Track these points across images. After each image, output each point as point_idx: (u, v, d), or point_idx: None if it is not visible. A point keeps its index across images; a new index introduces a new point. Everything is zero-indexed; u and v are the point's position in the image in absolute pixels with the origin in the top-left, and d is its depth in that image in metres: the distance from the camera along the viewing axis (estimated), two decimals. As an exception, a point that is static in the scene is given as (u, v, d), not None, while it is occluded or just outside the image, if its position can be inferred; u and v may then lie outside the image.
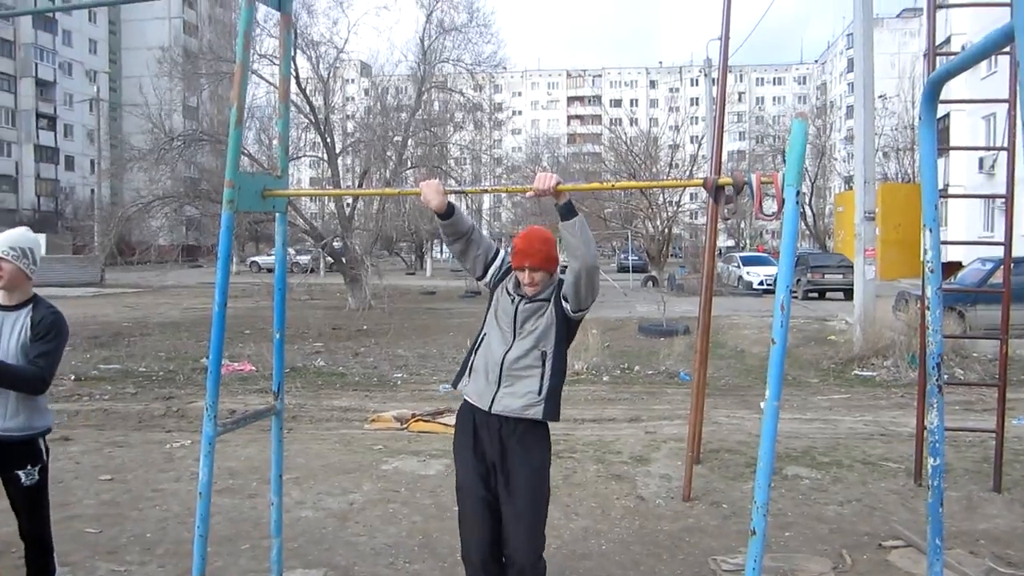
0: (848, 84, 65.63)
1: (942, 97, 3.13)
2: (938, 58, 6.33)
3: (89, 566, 4.47)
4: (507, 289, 3.49)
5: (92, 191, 56.37)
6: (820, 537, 5.06)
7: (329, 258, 25.27)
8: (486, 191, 11.98)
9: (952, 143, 29.40)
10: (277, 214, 4.03)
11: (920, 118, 3.13)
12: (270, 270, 41.10)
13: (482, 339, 3.50)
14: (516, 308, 3.42)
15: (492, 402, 3.35)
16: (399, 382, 10.94)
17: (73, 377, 10.66)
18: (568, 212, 3.22)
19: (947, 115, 30.14)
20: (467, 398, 3.47)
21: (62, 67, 66.96)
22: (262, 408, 4.24)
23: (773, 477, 2.73)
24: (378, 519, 5.40)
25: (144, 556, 4.70)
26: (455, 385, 3.56)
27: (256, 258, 48.79)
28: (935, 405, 3.06)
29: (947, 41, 30.18)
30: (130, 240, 31.71)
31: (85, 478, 6.24)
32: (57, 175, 65.95)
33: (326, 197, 32.36)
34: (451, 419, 8.31)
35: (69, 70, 67.82)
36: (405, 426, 8.10)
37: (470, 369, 3.48)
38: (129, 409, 9.01)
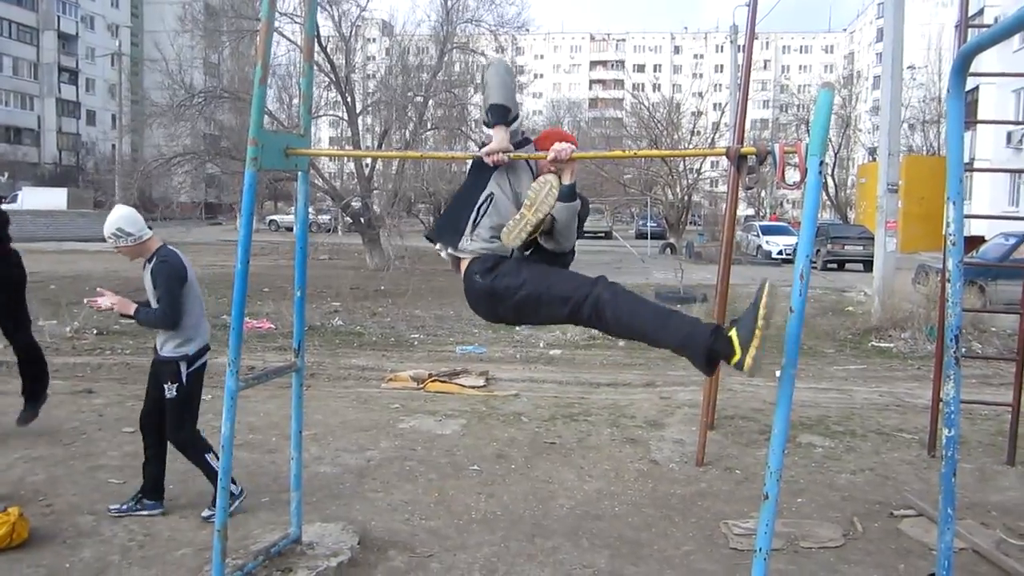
0: (876, 54, 64.42)
1: (972, 69, 3.10)
2: (970, 30, 6.23)
3: (113, 515, 4.58)
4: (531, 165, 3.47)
5: (113, 146, 56.57)
6: (832, 504, 5.11)
7: (348, 218, 25.30)
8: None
9: (980, 116, 28.94)
10: (299, 173, 4.06)
11: (949, 90, 3.10)
12: (288, 228, 41.30)
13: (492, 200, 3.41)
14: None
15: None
16: (416, 342, 11.03)
17: (95, 331, 10.81)
18: (572, 195, 3.32)
19: (976, 88, 29.65)
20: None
21: (84, 20, 66.86)
22: (283, 365, 4.31)
23: (786, 444, 2.76)
24: (395, 476, 5.49)
25: (166, 507, 4.80)
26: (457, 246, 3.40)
27: (275, 216, 48.97)
28: (952, 377, 3.07)
29: (980, 13, 29.61)
30: (151, 196, 31.85)
31: (108, 430, 6.35)
32: (79, 129, 66.16)
33: (345, 157, 32.36)
34: (467, 380, 8.40)
35: (91, 23, 67.72)
36: (422, 386, 8.18)
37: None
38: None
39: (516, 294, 3.23)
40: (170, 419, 4.60)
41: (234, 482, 4.59)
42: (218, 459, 4.51)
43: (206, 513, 4.57)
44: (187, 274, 4.57)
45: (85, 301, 4.87)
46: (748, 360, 2.81)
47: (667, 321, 3.04)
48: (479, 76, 25.40)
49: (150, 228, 4.64)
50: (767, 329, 2.79)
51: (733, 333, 2.88)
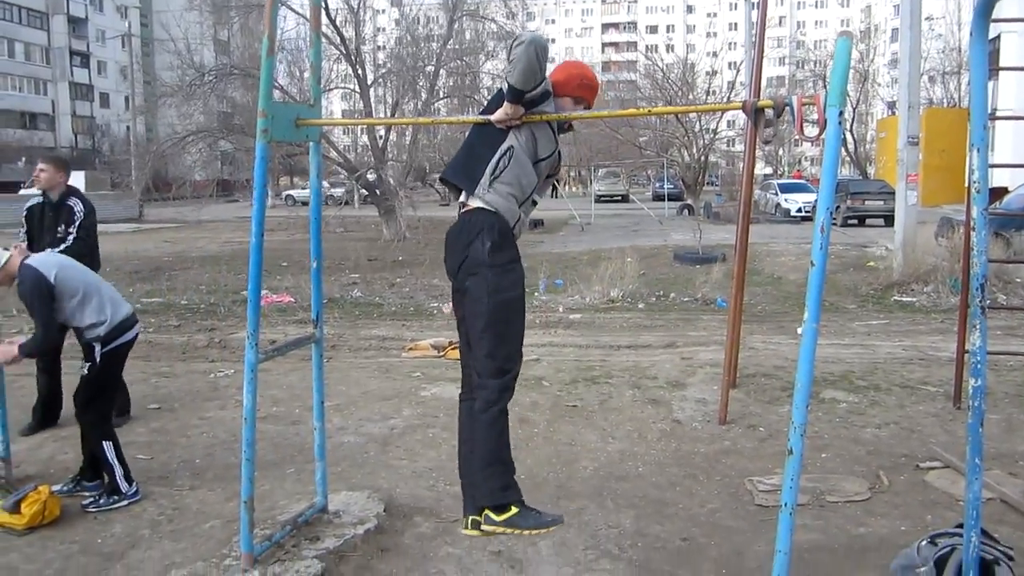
0: (894, 6, 63.19)
1: (994, 16, 3.01)
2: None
3: (144, 490, 4.64)
4: (552, 126, 3.40)
5: (127, 128, 56.70)
6: (857, 459, 5.09)
7: (363, 190, 25.26)
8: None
9: (1001, 65, 28.30)
10: (311, 144, 4.04)
11: (972, 34, 3.01)
12: (305, 203, 41.41)
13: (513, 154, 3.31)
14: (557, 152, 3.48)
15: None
16: (435, 311, 11.03)
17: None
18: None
19: (998, 36, 28.99)
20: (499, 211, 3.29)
21: (93, 3, 66.82)
22: (302, 336, 4.32)
23: (810, 400, 2.73)
24: (418, 443, 5.52)
25: (194, 480, 4.87)
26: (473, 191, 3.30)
27: (291, 191, 48.95)
28: (978, 327, 3.02)
29: (999, -45, 28.85)
30: (166, 176, 31.96)
31: (134, 407, 6.39)
32: (92, 112, 66.33)
33: (358, 129, 32.29)
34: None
35: (100, 5, 67.65)
36: (442, 354, 8.20)
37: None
38: (173, 341, 9.21)
39: (482, 295, 3.26)
40: (79, 397, 4.57)
41: (130, 481, 4.57)
42: (118, 451, 4.57)
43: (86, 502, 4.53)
44: (50, 280, 4.37)
45: None
46: (469, 530, 3.37)
47: (488, 467, 3.28)
48: (491, 44, 25.21)
49: (6, 249, 4.52)
50: (514, 531, 3.28)
51: (470, 520, 3.38)
